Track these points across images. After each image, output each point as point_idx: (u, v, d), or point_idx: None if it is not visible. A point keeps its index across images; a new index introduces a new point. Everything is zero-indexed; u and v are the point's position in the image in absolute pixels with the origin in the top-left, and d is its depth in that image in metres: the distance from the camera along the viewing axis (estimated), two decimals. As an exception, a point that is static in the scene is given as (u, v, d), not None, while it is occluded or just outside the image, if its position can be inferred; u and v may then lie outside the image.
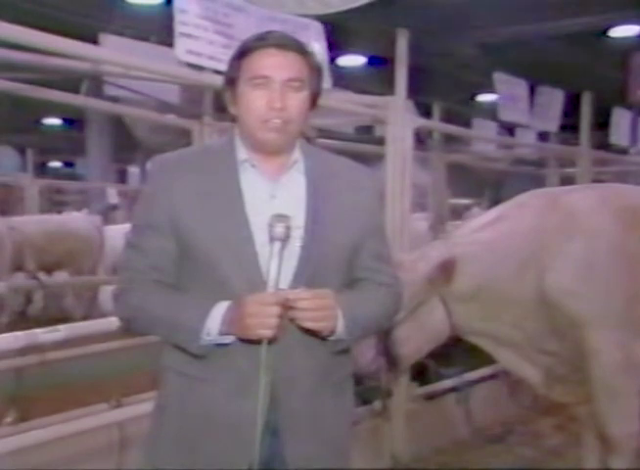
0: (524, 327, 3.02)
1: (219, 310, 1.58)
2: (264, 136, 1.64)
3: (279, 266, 1.53)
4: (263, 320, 1.51)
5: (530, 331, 3.03)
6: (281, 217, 1.55)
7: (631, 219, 3.07)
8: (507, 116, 5.49)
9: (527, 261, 2.97)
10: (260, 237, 1.59)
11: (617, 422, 2.99)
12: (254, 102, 1.63)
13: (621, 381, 2.98)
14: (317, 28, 3.51)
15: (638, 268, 2.98)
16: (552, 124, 6.09)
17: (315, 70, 1.70)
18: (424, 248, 3.12)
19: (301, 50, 1.67)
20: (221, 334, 1.58)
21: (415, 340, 2.99)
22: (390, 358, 2.96)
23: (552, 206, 3.11)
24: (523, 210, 3.12)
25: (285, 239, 1.54)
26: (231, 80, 1.68)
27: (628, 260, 2.98)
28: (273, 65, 1.63)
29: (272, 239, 1.54)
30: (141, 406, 2.93)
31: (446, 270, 2.86)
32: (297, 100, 1.64)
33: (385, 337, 2.88)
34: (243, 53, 1.66)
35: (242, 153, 1.70)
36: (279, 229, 1.53)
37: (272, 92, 1.61)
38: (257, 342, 1.54)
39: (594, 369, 2.96)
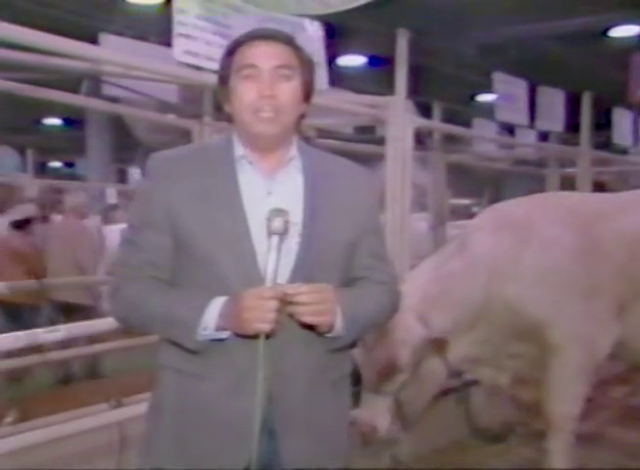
0: (492, 339, 3.21)
1: (216, 305, 1.58)
2: (258, 128, 1.65)
3: (277, 260, 1.53)
4: (261, 314, 1.51)
5: (498, 340, 3.20)
6: (279, 212, 1.55)
7: (578, 222, 3.26)
8: (504, 116, 5.50)
9: (491, 278, 3.15)
10: (257, 233, 1.60)
11: (560, 404, 3.17)
12: (245, 93, 1.64)
13: (580, 373, 3.17)
14: (315, 29, 3.51)
15: (591, 266, 3.14)
16: (556, 124, 6.10)
17: (305, 62, 1.71)
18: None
19: (288, 41, 1.69)
20: (218, 329, 1.58)
21: (422, 394, 3.15)
22: (404, 419, 3.12)
23: (504, 222, 3.31)
24: (479, 234, 3.30)
25: (283, 233, 1.54)
26: (223, 78, 1.70)
27: (581, 260, 3.15)
28: (260, 54, 1.65)
29: (270, 233, 1.54)
30: (141, 406, 2.93)
31: (439, 346, 3.04)
32: (288, 89, 1.65)
33: (396, 401, 3.05)
34: (231, 49, 1.69)
35: (239, 149, 1.71)
36: (277, 223, 1.53)
37: (261, 81, 1.63)
38: (255, 336, 1.54)
39: (557, 362, 3.14)
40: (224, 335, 1.60)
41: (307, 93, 1.71)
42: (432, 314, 3.07)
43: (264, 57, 1.64)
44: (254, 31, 1.70)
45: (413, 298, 3.06)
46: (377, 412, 3.02)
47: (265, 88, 1.62)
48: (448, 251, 3.33)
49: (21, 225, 6.22)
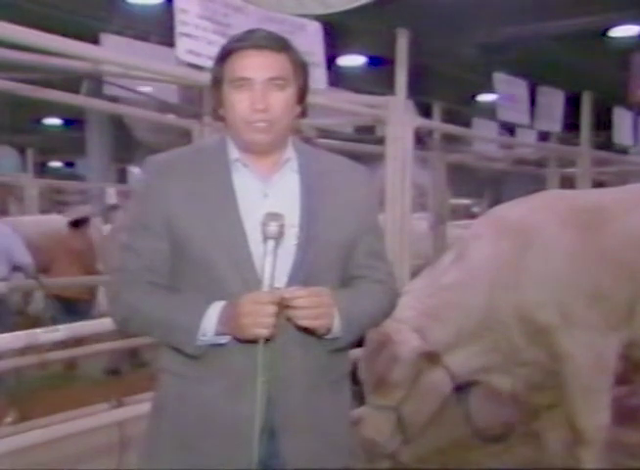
0: (501, 347, 3.15)
1: (215, 310, 1.58)
2: (250, 137, 1.64)
3: (273, 265, 1.53)
4: (259, 319, 1.51)
5: (507, 348, 3.15)
6: (274, 216, 1.54)
7: (579, 221, 3.19)
8: (506, 116, 5.50)
9: (493, 288, 3.09)
10: (254, 236, 1.59)
11: (587, 415, 3.14)
12: (238, 104, 1.62)
13: (594, 379, 3.12)
14: (315, 29, 3.51)
15: (595, 268, 3.09)
16: (554, 124, 6.10)
17: (299, 66, 1.68)
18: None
19: (282, 47, 1.65)
20: (217, 334, 1.58)
21: (425, 407, 3.09)
22: (407, 432, 3.07)
23: (503, 228, 3.24)
24: (478, 242, 3.24)
25: (278, 237, 1.54)
26: (216, 82, 1.67)
27: (584, 263, 3.10)
28: (253, 66, 1.61)
29: (266, 237, 1.53)
30: (141, 406, 2.93)
31: (431, 358, 3.00)
32: (281, 99, 1.62)
33: (398, 415, 3.01)
34: (224, 55, 1.66)
35: (233, 152, 1.70)
36: (272, 228, 1.53)
37: (254, 93, 1.60)
38: (254, 341, 1.53)
39: (568, 371, 3.10)
40: (223, 340, 1.60)
41: (302, 96, 1.69)
42: (432, 328, 3.01)
43: (257, 69, 1.61)
44: (247, 37, 1.65)
45: (411, 311, 3.01)
46: (378, 427, 2.99)
47: (258, 101, 1.60)
48: (446, 261, 3.25)
49: (77, 224, 6.45)
